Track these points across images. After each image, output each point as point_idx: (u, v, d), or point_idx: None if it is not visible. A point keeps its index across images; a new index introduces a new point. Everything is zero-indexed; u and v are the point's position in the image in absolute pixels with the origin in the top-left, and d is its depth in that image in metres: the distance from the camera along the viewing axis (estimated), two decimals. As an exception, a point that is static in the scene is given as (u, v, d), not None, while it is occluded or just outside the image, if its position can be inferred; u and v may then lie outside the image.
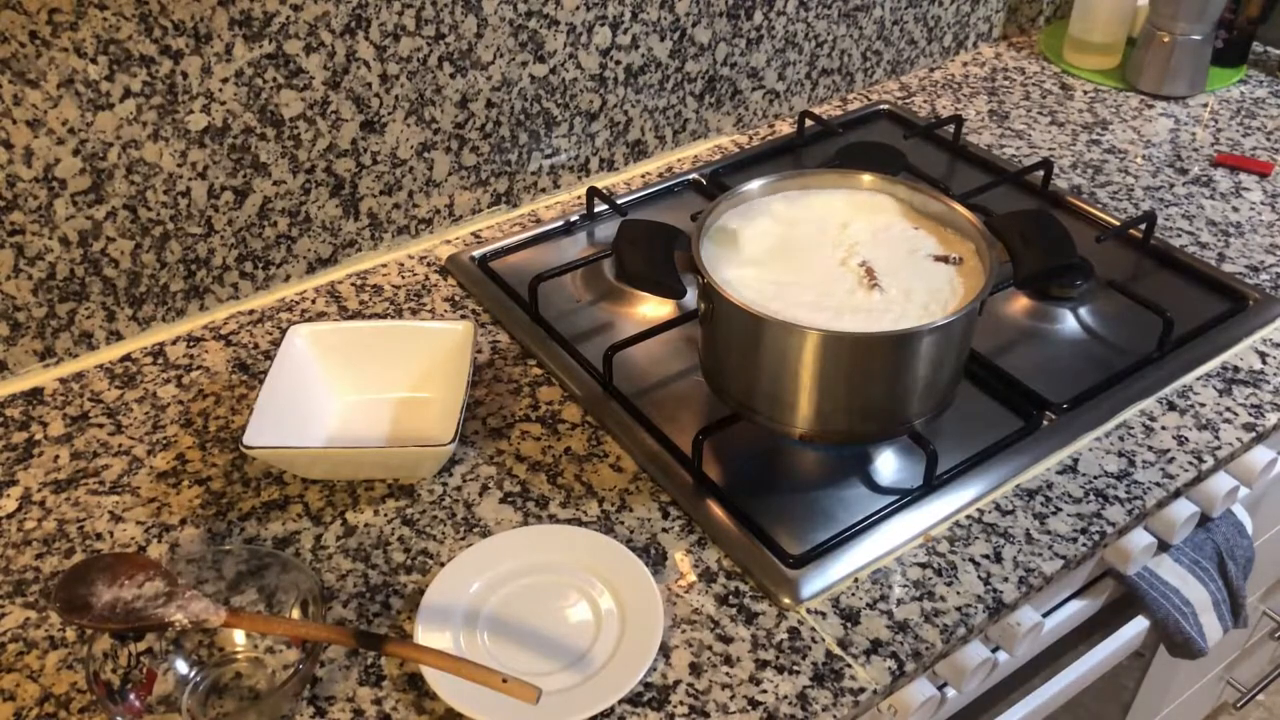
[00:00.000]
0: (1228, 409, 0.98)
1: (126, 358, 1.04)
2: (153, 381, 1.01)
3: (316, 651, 0.74)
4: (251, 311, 1.09)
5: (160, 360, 1.04)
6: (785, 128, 1.39)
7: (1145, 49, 1.44)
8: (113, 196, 0.97)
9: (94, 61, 0.91)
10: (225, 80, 0.97)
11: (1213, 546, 1.02)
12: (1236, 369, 1.03)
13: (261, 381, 0.98)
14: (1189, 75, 1.43)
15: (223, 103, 0.98)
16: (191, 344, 1.05)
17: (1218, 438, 0.96)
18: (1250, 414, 0.98)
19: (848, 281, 0.87)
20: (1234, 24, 1.47)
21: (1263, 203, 1.25)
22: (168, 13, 0.92)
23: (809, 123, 1.34)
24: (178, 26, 0.93)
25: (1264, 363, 1.03)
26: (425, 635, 0.78)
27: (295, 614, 0.77)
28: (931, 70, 1.52)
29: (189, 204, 1.01)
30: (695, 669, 0.78)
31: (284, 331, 0.98)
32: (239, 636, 0.78)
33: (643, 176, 1.29)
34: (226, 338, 1.06)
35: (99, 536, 0.87)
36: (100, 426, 0.97)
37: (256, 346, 1.05)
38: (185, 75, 0.95)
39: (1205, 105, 1.44)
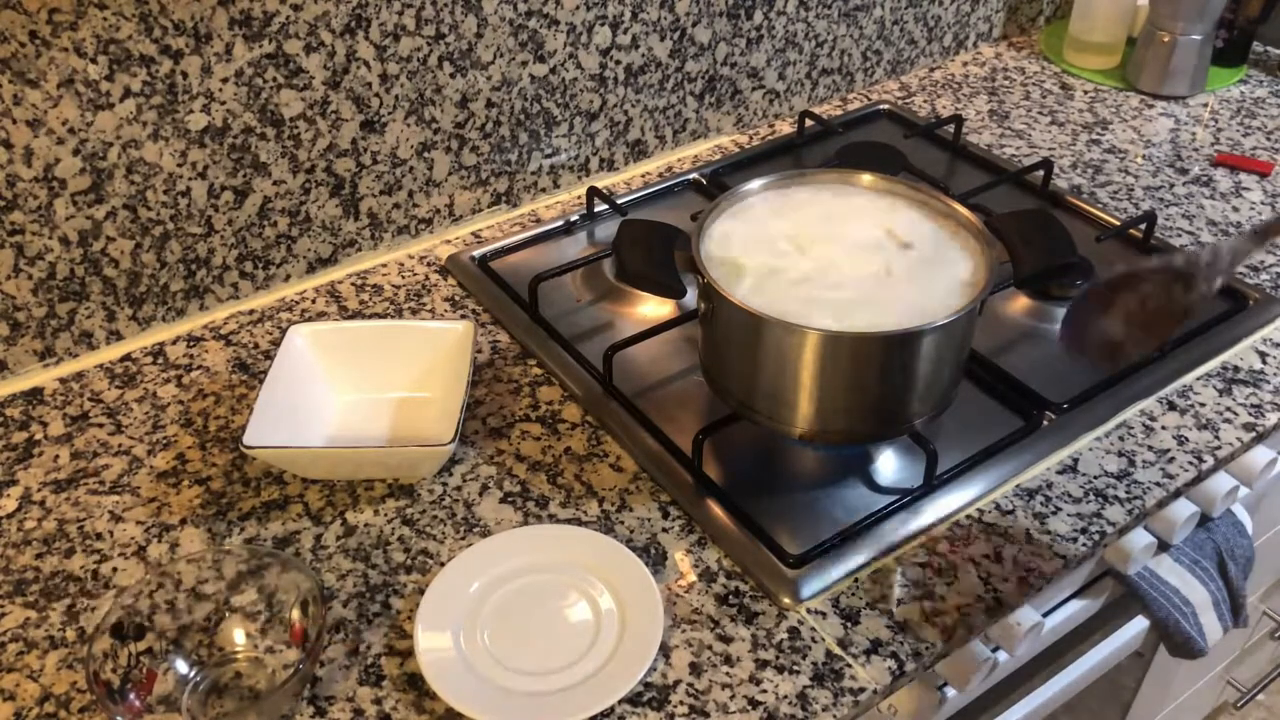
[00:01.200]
0: (1228, 409, 0.98)
1: (126, 357, 1.04)
2: (153, 381, 1.01)
3: (316, 651, 0.74)
4: (251, 311, 1.09)
5: (160, 360, 1.04)
6: (785, 127, 1.39)
7: (1145, 49, 1.44)
8: (113, 196, 0.97)
9: (94, 61, 0.91)
10: (225, 80, 0.97)
11: (1213, 546, 1.02)
12: (1236, 369, 1.03)
13: (261, 381, 0.98)
14: (1189, 75, 1.43)
15: (223, 102, 0.98)
16: (191, 344, 1.05)
17: (1218, 437, 0.96)
18: (1250, 414, 0.98)
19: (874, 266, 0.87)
20: (1234, 24, 1.47)
21: (1263, 203, 1.25)
22: (168, 13, 0.92)
23: (809, 122, 1.34)
24: (178, 26, 0.93)
25: (1264, 363, 1.03)
26: (425, 635, 0.78)
27: (295, 614, 0.77)
28: (931, 70, 1.52)
29: (189, 204, 1.01)
30: (695, 669, 0.78)
31: (284, 331, 0.99)
32: (239, 636, 0.78)
33: (643, 176, 1.29)
34: (226, 337, 1.06)
35: (99, 536, 0.87)
36: (100, 426, 0.97)
37: (256, 346, 1.05)
38: (185, 75, 0.95)
39: (1205, 105, 1.44)
